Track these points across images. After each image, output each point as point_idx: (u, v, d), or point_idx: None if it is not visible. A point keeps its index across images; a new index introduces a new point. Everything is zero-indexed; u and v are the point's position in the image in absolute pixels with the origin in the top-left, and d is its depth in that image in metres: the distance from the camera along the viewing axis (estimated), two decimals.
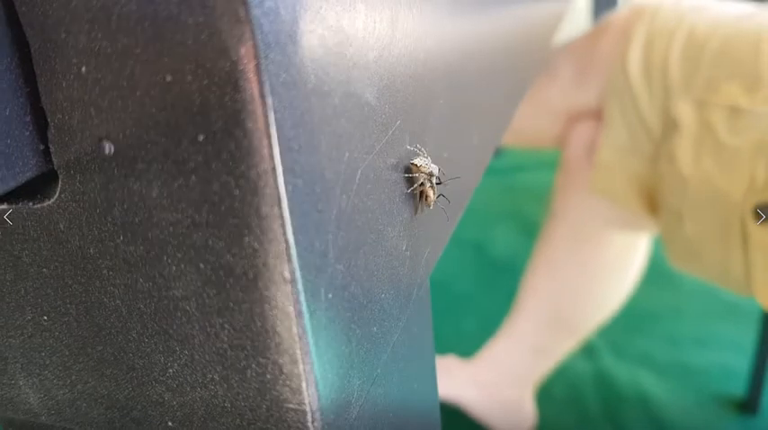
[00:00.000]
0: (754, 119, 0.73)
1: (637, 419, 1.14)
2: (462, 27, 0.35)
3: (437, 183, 0.28)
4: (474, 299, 1.46)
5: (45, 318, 0.23)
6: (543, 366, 1.08)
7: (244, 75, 0.17)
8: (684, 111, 0.77)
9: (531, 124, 0.97)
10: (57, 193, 0.21)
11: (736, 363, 1.24)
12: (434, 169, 0.28)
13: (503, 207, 1.80)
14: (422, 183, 0.28)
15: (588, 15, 1.85)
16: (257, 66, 0.17)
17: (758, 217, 0.72)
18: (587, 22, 1.76)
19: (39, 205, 0.21)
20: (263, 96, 0.18)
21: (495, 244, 1.64)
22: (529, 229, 1.64)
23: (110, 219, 0.20)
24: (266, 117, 0.18)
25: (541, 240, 1.00)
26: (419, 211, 0.29)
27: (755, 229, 0.73)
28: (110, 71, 0.18)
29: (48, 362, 0.24)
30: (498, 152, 1.98)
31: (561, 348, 1.06)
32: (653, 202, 0.85)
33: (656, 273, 1.40)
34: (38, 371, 0.24)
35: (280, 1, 0.18)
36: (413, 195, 0.28)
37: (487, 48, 0.41)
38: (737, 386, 1.19)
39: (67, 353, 0.23)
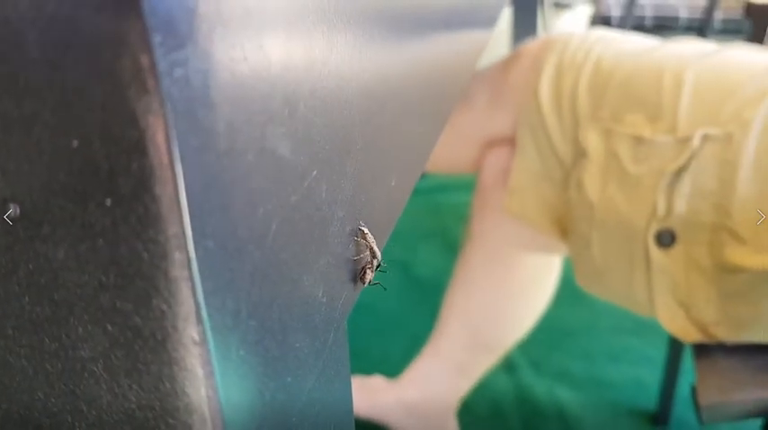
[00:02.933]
0: (656, 148, 0.75)
1: None
2: (380, 67, 0.35)
3: (377, 268, 0.29)
4: (400, 318, 1.46)
5: None
6: (465, 384, 1.09)
7: (152, 142, 0.17)
8: (592, 140, 0.80)
9: (448, 151, 0.98)
10: None
11: (647, 377, 1.28)
12: (378, 253, 0.29)
13: (427, 227, 1.82)
14: (366, 261, 0.28)
15: (508, 45, 1.89)
16: (166, 134, 0.17)
17: (659, 243, 0.75)
18: (507, 51, 1.80)
19: None
20: (171, 163, 0.17)
21: (420, 263, 1.65)
22: (453, 248, 1.65)
23: (15, 280, 0.20)
24: (175, 183, 0.18)
25: (459, 262, 1.02)
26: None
27: (657, 255, 0.76)
28: (15, 135, 0.18)
29: None
30: (422, 173, 2.00)
31: (481, 366, 1.07)
32: (564, 226, 0.87)
33: (572, 291, 1.44)
34: None
35: (191, 68, 0.18)
36: (355, 261, 0.29)
37: (407, 85, 0.42)
38: (649, 399, 1.23)
39: None
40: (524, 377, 1.29)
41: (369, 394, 1.14)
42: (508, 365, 1.30)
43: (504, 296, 1.01)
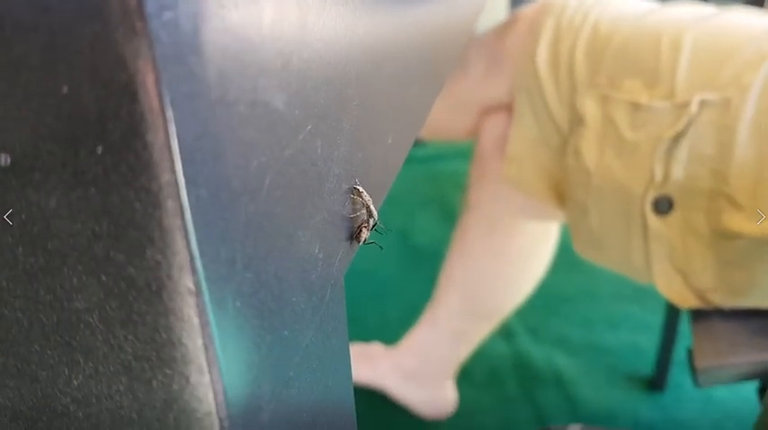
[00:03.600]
0: (653, 114, 0.75)
1: (552, 398, 1.18)
2: (376, 26, 0.35)
3: (373, 227, 0.29)
4: (398, 285, 1.47)
5: None
6: (463, 350, 1.10)
7: (142, 87, 0.17)
8: (589, 107, 0.79)
9: (445, 118, 0.98)
10: None
11: (645, 343, 1.29)
12: (374, 212, 0.29)
13: (425, 195, 1.82)
14: (362, 220, 0.28)
15: (506, 9, 1.87)
16: (156, 78, 0.17)
17: (657, 210, 0.75)
18: (505, 16, 1.79)
19: None
20: (162, 109, 0.17)
21: (418, 231, 1.65)
22: (451, 216, 1.66)
23: (8, 230, 0.20)
24: (166, 129, 0.17)
25: (458, 230, 1.02)
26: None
27: (655, 222, 0.75)
28: (4, 81, 0.18)
29: None
30: (421, 142, 2.00)
31: (479, 333, 1.08)
32: (561, 193, 0.87)
33: (570, 258, 1.44)
34: None
35: (180, 11, 0.17)
36: (351, 219, 0.29)
37: (403, 46, 0.41)
38: (646, 364, 1.24)
39: None
40: (522, 343, 1.30)
41: (367, 361, 1.14)
42: (506, 332, 1.31)
43: (502, 263, 1.01)
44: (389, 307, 1.40)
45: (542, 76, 0.84)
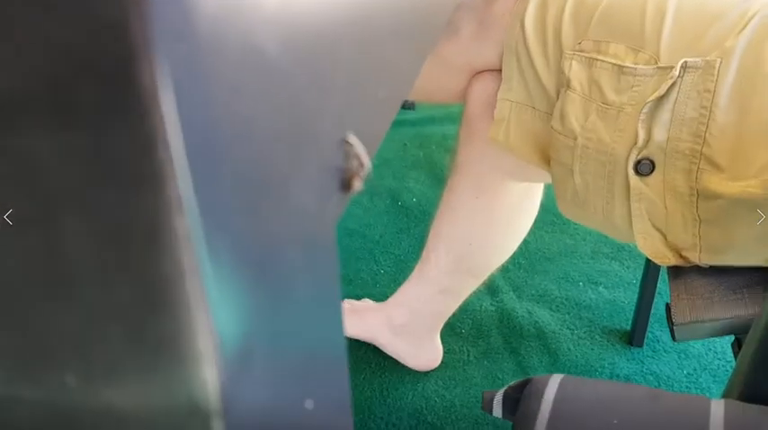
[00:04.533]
0: (638, 78, 0.74)
1: (534, 351, 1.19)
2: None
3: (364, 178, 0.28)
4: (388, 244, 1.47)
5: None
6: (450, 306, 1.10)
7: (132, 25, 0.16)
8: (575, 70, 0.78)
9: (434, 80, 0.96)
10: None
11: (623, 300, 1.30)
12: (366, 162, 0.28)
13: (415, 157, 1.81)
14: (354, 170, 0.27)
15: None
16: (144, 14, 0.16)
17: (639, 172, 0.74)
18: None
19: None
20: (153, 48, 0.16)
21: (407, 191, 1.65)
22: (439, 178, 1.65)
23: None
24: (154, 68, 0.16)
25: (446, 191, 1.01)
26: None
27: (637, 183, 0.75)
28: None
29: None
30: (411, 106, 1.98)
31: (466, 289, 1.08)
32: (547, 156, 0.86)
33: (552, 217, 1.44)
34: None
35: None
36: (343, 170, 0.28)
37: (394, 3, 0.40)
38: (625, 320, 1.25)
39: None
40: (506, 299, 1.30)
41: (358, 316, 1.15)
42: (491, 288, 1.31)
43: (488, 222, 1.01)
44: (380, 264, 1.40)
45: (530, 39, 0.83)
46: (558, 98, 0.81)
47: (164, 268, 0.19)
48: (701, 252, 0.76)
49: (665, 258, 0.79)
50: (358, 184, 0.28)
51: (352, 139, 0.29)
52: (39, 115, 0.17)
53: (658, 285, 1.17)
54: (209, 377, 0.20)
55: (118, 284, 0.19)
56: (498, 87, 0.89)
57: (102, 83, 0.16)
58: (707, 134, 0.70)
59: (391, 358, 1.14)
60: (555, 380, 0.59)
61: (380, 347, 1.14)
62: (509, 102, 0.87)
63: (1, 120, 0.18)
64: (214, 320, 0.19)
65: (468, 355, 1.18)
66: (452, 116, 1.87)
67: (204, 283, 0.19)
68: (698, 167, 0.71)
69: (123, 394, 0.21)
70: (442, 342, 1.15)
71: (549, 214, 1.04)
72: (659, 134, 0.72)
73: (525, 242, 1.05)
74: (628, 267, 1.38)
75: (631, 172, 0.75)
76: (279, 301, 0.24)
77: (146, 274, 0.19)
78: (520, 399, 0.60)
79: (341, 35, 0.29)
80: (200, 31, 0.18)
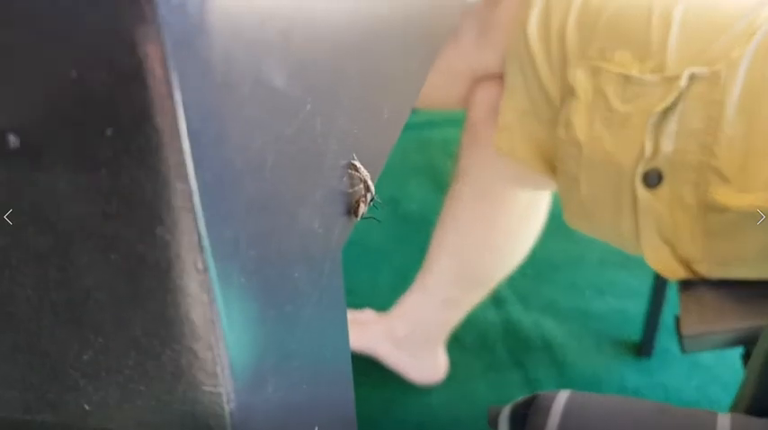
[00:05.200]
0: (644, 87, 0.75)
1: (541, 363, 1.20)
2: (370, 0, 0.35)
3: (370, 201, 0.29)
4: (389, 253, 1.48)
5: None
6: (454, 317, 1.11)
7: (151, 72, 0.17)
8: (580, 78, 0.79)
9: (436, 87, 0.97)
10: None
11: (632, 309, 1.31)
12: (371, 187, 0.29)
13: (416, 162, 1.82)
14: (360, 195, 0.29)
15: None
16: (165, 63, 0.17)
17: (647, 184, 0.75)
18: None
19: None
20: (171, 93, 0.17)
21: (408, 198, 1.66)
22: (441, 184, 1.66)
23: (18, 212, 0.20)
24: (175, 113, 0.18)
25: (449, 198, 1.02)
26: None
27: (644, 195, 0.76)
28: (12, 65, 0.18)
29: None
30: (412, 110, 1.99)
31: (470, 300, 1.09)
32: (552, 164, 0.87)
33: (559, 225, 1.45)
34: None
35: None
36: (349, 194, 0.29)
37: (398, 19, 0.41)
38: (634, 330, 1.26)
39: None
40: (512, 310, 1.32)
41: (359, 328, 1.16)
42: (496, 299, 1.32)
43: (493, 232, 1.02)
44: (381, 274, 1.41)
45: (533, 46, 0.84)
46: (562, 106, 0.83)
47: (178, 301, 0.20)
48: (709, 265, 0.77)
49: (673, 272, 0.80)
50: (364, 209, 0.29)
51: (358, 164, 0.30)
52: (60, 155, 0.19)
53: (667, 295, 1.18)
54: (221, 403, 0.21)
55: (132, 314, 0.21)
56: (502, 93, 0.90)
57: (122, 126, 0.18)
58: (714, 145, 0.71)
59: (393, 372, 1.15)
60: (562, 396, 0.60)
61: (381, 360, 1.15)
62: (513, 109, 0.88)
63: (25, 159, 0.19)
64: (227, 350, 0.21)
65: (473, 369, 1.19)
66: (453, 120, 1.88)
67: (218, 315, 0.20)
68: (706, 179, 0.72)
69: (137, 419, 0.23)
70: (446, 354, 1.16)
71: (554, 221, 1.05)
72: (666, 145, 0.73)
73: (531, 250, 1.06)
74: (636, 276, 1.39)
75: (639, 184, 0.76)
76: (288, 326, 0.25)
77: (160, 307, 0.20)
78: (527, 415, 0.61)
79: (346, 57, 0.31)
80: (215, 71, 0.19)
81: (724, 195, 0.71)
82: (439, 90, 0.99)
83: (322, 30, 0.27)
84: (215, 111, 0.19)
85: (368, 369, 1.16)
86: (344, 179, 0.31)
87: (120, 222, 0.19)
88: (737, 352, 0.84)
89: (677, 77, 0.72)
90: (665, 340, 1.23)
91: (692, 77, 0.72)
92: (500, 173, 0.96)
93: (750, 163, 0.70)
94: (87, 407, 0.23)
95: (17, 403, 0.24)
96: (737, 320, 0.78)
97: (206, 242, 0.19)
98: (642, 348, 1.21)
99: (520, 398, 0.65)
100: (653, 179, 0.75)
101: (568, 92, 0.81)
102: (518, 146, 0.89)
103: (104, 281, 0.20)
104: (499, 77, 0.92)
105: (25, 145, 0.19)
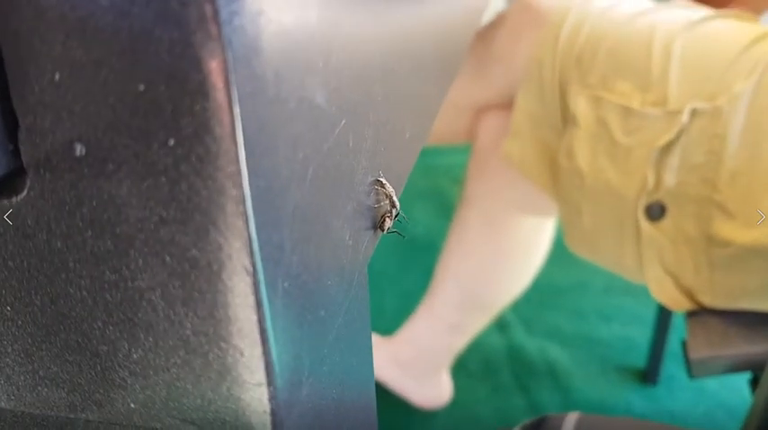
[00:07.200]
0: (646, 120, 0.76)
1: (546, 389, 1.21)
2: (393, 25, 0.37)
3: (395, 217, 0.31)
4: (394, 277, 1.49)
5: (8, 308, 0.24)
6: (459, 342, 1.12)
7: (214, 86, 0.19)
8: (582, 107, 0.80)
9: (441, 122, 0.99)
10: (25, 190, 0.21)
11: (637, 336, 1.32)
12: (396, 203, 0.31)
13: (422, 187, 1.84)
14: (386, 210, 0.30)
15: (505, 4, 1.89)
16: (227, 78, 0.19)
17: (649, 216, 0.76)
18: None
19: (6, 201, 0.22)
20: (231, 106, 0.19)
21: (414, 223, 1.67)
22: (447, 209, 1.68)
23: (78, 216, 0.21)
24: (233, 124, 0.19)
25: (455, 224, 1.04)
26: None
27: (647, 227, 0.77)
28: (83, 79, 0.19)
29: (9, 350, 0.25)
30: None
31: (475, 325, 1.10)
32: (557, 179, 0.88)
33: (564, 251, 1.46)
34: None
35: (246, 19, 0.19)
36: (375, 209, 0.31)
37: (419, 42, 0.43)
38: (639, 357, 1.27)
39: (30, 340, 0.24)
40: (516, 335, 1.33)
41: None
42: (500, 324, 1.34)
43: (498, 257, 1.03)
44: (386, 298, 1.42)
45: (535, 75, 0.86)
46: (564, 134, 0.84)
47: (228, 302, 0.21)
48: (714, 298, 0.78)
49: (678, 303, 0.81)
50: (389, 224, 0.31)
51: (384, 180, 0.32)
52: (123, 164, 0.20)
53: (673, 321, 1.20)
54: (264, 400, 0.23)
55: (183, 316, 0.22)
56: (506, 121, 0.92)
57: (184, 137, 0.19)
58: (717, 179, 0.72)
59: (397, 397, 1.16)
60: (572, 418, 0.61)
61: (386, 384, 1.15)
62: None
63: (89, 166, 0.21)
64: (271, 349, 0.22)
65: (478, 394, 1.20)
66: (460, 146, 1.91)
67: (264, 315, 0.22)
68: (708, 214, 0.73)
69: (181, 417, 0.24)
70: (451, 379, 1.17)
71: (559, 247, 1.06)
72: (669, 179, 0.74)
73: (536, 276, 1.08)
74: (641, 303, 1.40)
75: (641, 216, 0.77)
76: (322, 331, 0.27)
77: (210, 307, 0.22)
78: None
79: (375, 79, 0.32)
80: (268, 87, 0.21)
81: (727, 230, 0.72)
82: (444, 125, 1.01)
83: (354, 53, 0.29)
84: (267, 124, 0.21)
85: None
86: (371, 195, 0.33)
87: (176, 227, 0.21)
88: (744, 377, 0.85)
89: (679, 112, 0.73)
90: (672, 367, 1.23)
91: (694, 112, 0.73)
92: (506, 198, 0.98)
93: (753, 197, 0.71)
94: (133, 406, 0.24)
95: (63, 402, 0.25)
96: (744, 345, 0.79)
97: (256, 245, 0.21)
98: (648, 375, 1.22)
99: (527, 420, 0.66)
100: (655, 212, 0.76)
101: (570, 120, 0.82)
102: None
103: (158, 282, 0.22)
104: (501, 106, 0.94)
105: (90, 153, 0.20)
